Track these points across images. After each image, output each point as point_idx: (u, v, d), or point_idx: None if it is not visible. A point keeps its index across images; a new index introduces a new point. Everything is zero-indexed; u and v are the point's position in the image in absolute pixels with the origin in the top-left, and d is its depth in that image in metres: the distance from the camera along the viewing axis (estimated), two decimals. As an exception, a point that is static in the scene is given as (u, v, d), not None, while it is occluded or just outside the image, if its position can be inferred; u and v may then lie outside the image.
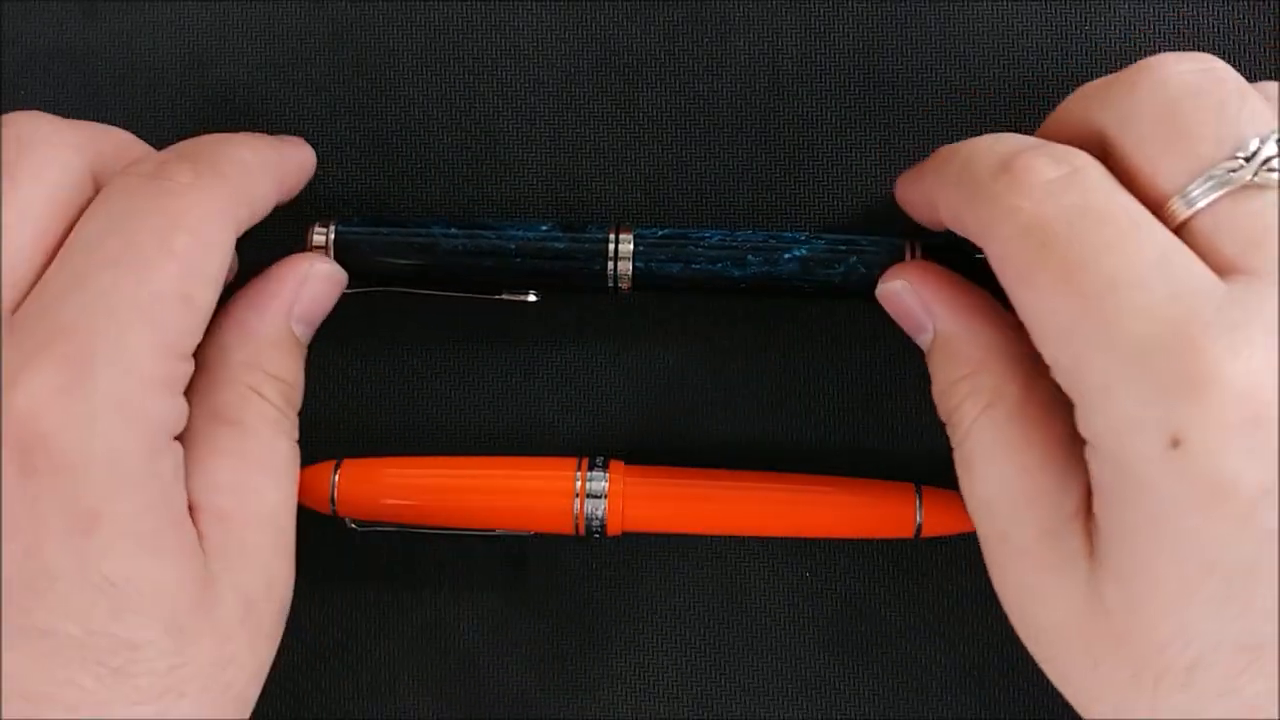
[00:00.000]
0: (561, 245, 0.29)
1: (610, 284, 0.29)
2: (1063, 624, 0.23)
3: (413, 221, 0.29)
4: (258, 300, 0.27)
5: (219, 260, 0.25)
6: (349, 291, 0.29)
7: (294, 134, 0.32)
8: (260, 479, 0.26)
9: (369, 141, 0.32)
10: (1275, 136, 0.22)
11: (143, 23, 0.33)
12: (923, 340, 0.27)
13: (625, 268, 0.29)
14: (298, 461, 0.28)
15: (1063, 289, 0.22)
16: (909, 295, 0.27)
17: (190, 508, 0.24)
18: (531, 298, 0.30)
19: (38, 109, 0.26)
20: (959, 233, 0.25)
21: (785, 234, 0.29)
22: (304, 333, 0.28)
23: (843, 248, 0.29)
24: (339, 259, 0.29)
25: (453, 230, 0.29)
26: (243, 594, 0.25)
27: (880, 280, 0.28)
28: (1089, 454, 0.23)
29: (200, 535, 0.24)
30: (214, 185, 0.25)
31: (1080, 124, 0.26)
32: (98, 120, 0.27)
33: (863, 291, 0.29)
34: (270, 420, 0.26)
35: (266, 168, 0.27)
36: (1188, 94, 0.23)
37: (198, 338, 0.24)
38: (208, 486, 0.25)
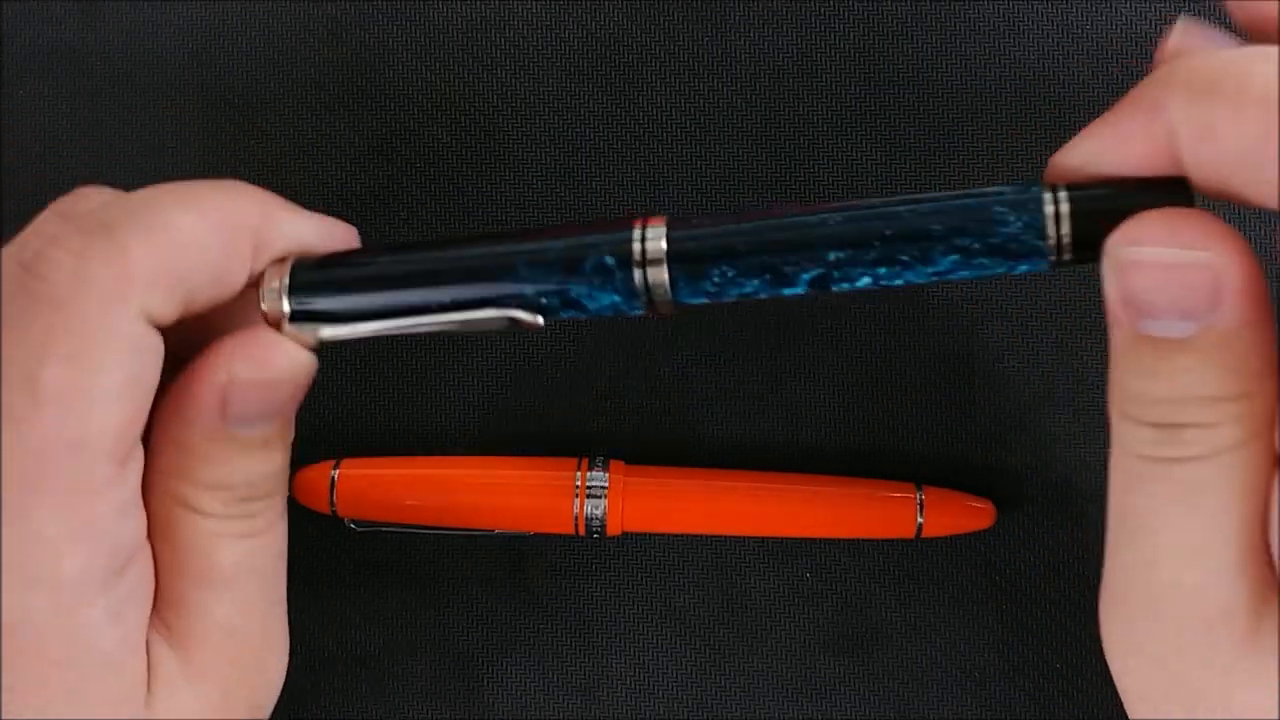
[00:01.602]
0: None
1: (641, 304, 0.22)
2: (1257, 710, 0.19)
3: (382, 249, 0.23)
4: (181, 403, 0.22)
5: (124, 373, 0.21)
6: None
7: (293, 133, 0.32)
8: (201, 594, 0.23)
9: (368, 140, 0.32)
10: None
11: (143, 22, 0.33)
12: (1167, 327, 0.19)
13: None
14: (267, 550, 0.24)
15: None
16: (1206, 273, 0.19)
17: (152, 623, 0.23)
18: (539, 321, 0.22)
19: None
20: (1219, 167, 0.19)
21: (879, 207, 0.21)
22: (257, 429, 0.23)
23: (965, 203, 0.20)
24: (300, 299, 0.23)
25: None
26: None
27: (1143, 231, 0.19)
28: None
29: (151, 656, 0.23)
30: (102, 272, 0.20)
31: None
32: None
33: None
34: (205, 533, 0.23)
35: (218, 229, 0.22)
36: None
37: (114, 468, 0.21)
38: (160, 601, 0.23)
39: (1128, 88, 0.34)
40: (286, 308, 0.22)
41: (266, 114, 0.32)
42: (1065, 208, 0.20)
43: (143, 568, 0.22)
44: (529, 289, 0.22)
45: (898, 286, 0.21)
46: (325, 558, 0.32)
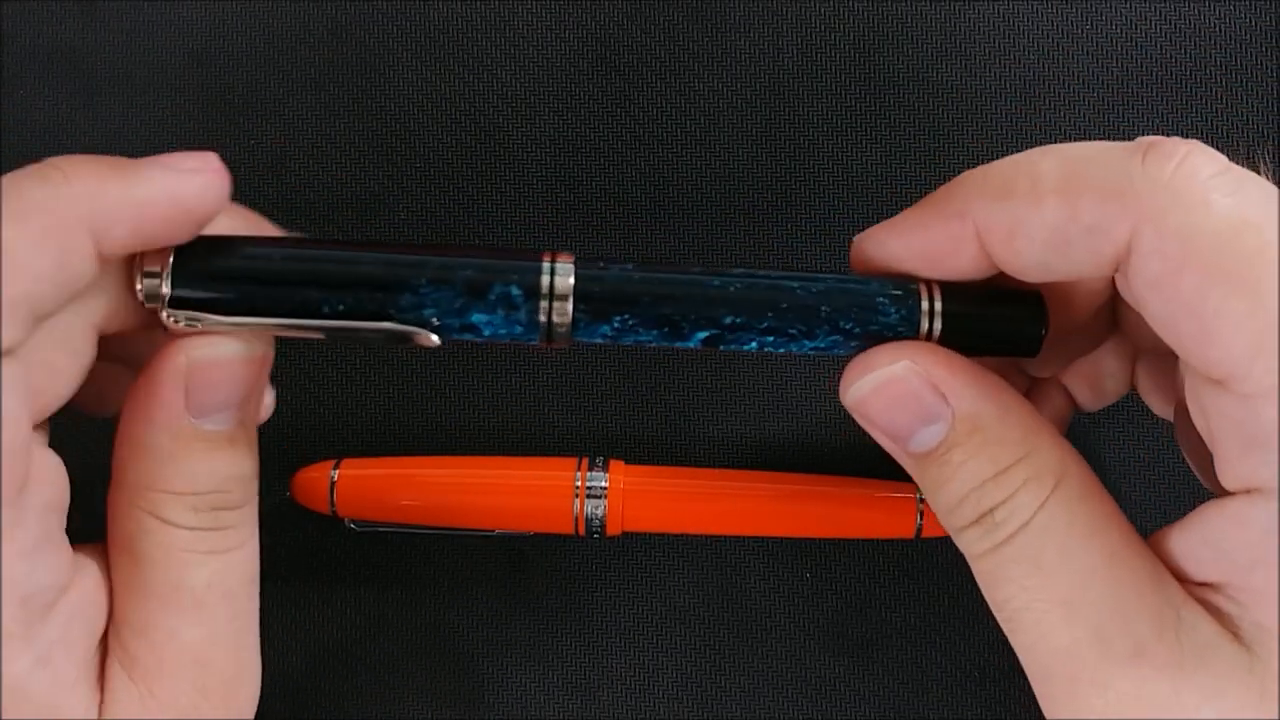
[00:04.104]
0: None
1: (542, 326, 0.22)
2: None
3: (280, 241, 0.22)
4: (138, 406, 0.22)
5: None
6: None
7: (293, 133, 0.32)
8: (169, 617, 0.22)
9: (368, 140, 0.32)
10: None
11: (143, 22, 0.33)
12: (926, 437, 0.22)
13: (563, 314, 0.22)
14: (240, 570, 0.23)
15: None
16: (916, 379, 0.22)
17: (106, 651, 0.22)
18: (434, 340, 0.22)
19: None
20: (1028, 256, 0.21)
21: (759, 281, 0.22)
22: (223, 421, 0.22)
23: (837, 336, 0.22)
24: (187, 289, 0.21)
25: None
26: None
27: (855, 373, 0.22)
28: (1245, 510, 0.20)
29: (106, 687, 0.22)
30: None
31: None
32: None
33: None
34: (176, 548, 0.22)
35: (45, 237, 0.20)
36: None
37: (5, 512, 0.20)
38: (119, 626, 0.22)
39: (1128, 88, 0.34)
40: (166, 290, 0.21)
41: (266, 114, 0.32)
42: (939, 305, 0.22)
43: (77, 603, 0.21)
44: (430, 308, 0.21)
45: (779, 353, 0.23)
46: (325, 558, 0.32)
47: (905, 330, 0.22)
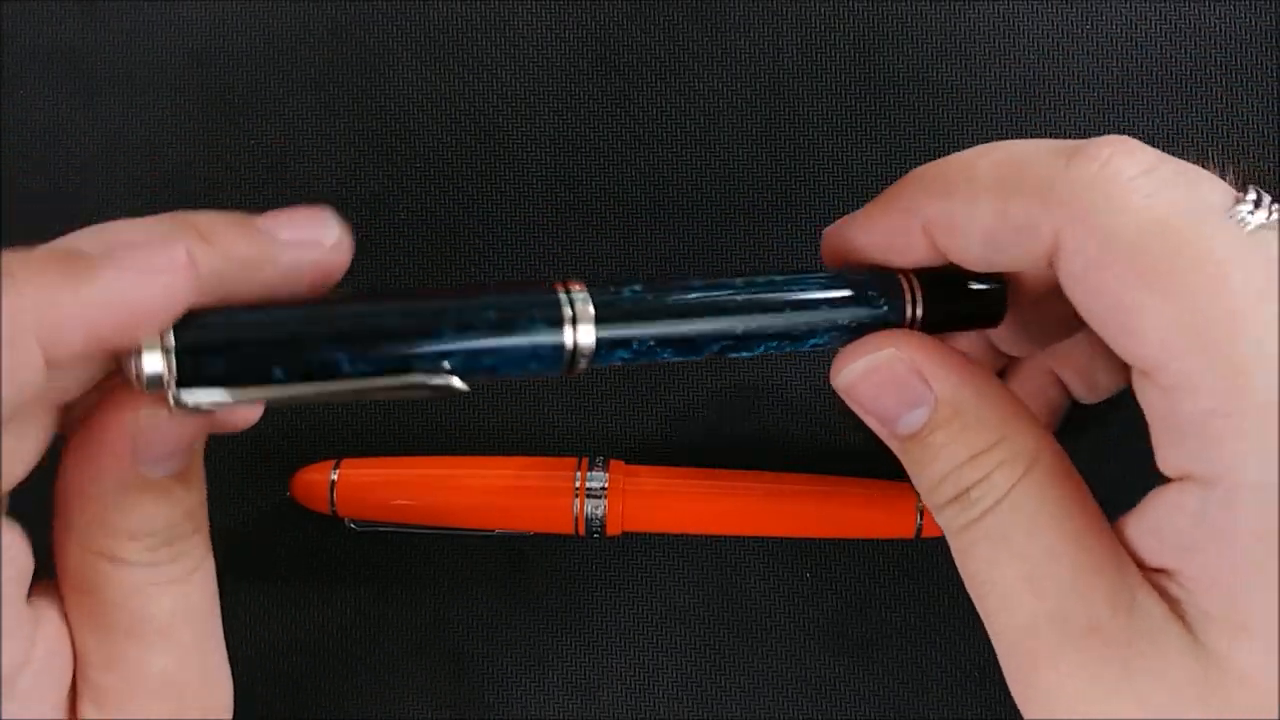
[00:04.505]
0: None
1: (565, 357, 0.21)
2: (1166, 709, 0.20)
3: (291, 303, 0.21)
4: (84, 459, 0.21)
5: None
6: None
7: (293, 133, 0.32)
8: (136, 650, 0.22)
9: (368, 140, 0.32)
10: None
11: (143, 22, 0.33)
12: (912, 419, 0.23)
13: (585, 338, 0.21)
14: (200, 591, 0.23)
15: (1209, 297, 0.19)
16: (900, 364, 0.23)
17: (75, 687, 0.22)
18: (463, 387, 0.21)
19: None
20: (970, 250, 0.22)
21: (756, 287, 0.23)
22: (174, 467, 0.21)
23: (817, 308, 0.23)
24: (194, 366, 0.19)
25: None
26: None
27: (845, 360, 0.23)
28: (1180, 497, 0.21)
29: None
30: None
31: None
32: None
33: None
34: (135, 585, 0.22)
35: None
36: None
37: None
38: (84, 664, 0.22)
39: (1128, 87, 0.34)
40: (160, 369, 0.19)
41: (266, 114, 0.32)
42: (918, 293, 0.23)
43: (43, 655, 0.21)
44: (455, 355, 0.20)
45: (786, 352, 0.24)
46: (325, 558, 0.32)
47: (892, 318, 0.23)
